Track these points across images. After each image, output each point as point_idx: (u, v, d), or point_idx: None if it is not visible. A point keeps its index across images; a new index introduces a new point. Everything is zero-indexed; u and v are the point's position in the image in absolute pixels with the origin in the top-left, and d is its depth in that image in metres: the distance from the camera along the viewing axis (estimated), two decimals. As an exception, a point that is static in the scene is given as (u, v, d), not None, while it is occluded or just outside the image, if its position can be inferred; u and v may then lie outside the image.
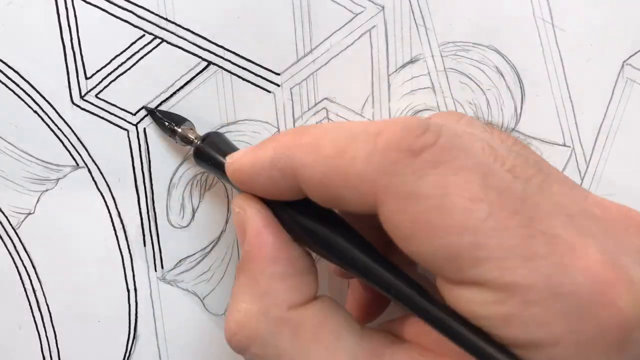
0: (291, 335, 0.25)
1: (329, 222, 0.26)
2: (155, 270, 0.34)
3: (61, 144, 0.33)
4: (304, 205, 0.26)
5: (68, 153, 0.33)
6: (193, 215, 0.34)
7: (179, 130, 0.31)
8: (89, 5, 0.32)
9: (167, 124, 0.31)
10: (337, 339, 0.25)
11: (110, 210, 0.34)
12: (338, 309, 0.26)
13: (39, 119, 0.33)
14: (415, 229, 0.22)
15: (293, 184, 0.25)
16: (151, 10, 0.32)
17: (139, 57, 0.32)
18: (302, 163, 0.24)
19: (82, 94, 0.33)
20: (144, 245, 0.34)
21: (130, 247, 0.34)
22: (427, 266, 0.23)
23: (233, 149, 0.30)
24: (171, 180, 0.33)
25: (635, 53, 0.32)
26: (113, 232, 0.34)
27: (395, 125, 0.23)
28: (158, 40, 0.32)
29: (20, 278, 0.34)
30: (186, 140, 0.31)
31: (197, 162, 0.31)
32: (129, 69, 0.32)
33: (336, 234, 0.26)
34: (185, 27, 0.32)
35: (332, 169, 0.23)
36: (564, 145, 0.33)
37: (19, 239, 0.34)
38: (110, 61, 0.32)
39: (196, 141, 0.30)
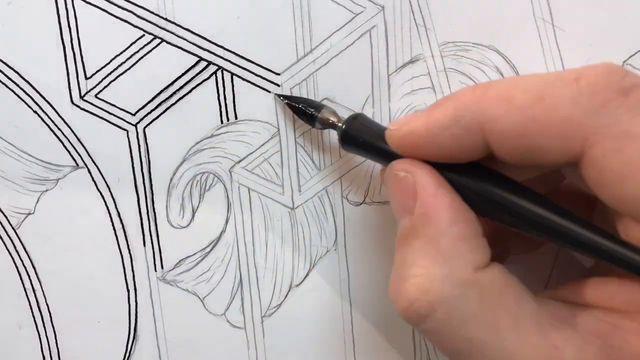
0: (478, 298, 0.23)
1: (502, 182, 0.25)
2: (155, 270, 0.34)
3: (61, 144, 0.33)
4: (470, 167, 0.25)
5: (68, 153, 0.33)
6: (193, 216, 0.34)
7: (319, 115, 0.30)
8: (88, 5, 0.32)
9: (306, 110, 0.30)
10: (519, 302, 0.24)
11: (110, 210, 0.34)
12: (511, 274, 0.25)
13: (39, 119, 0.33)
14: (631, 170, 0.21)
15: (477, 141, 0.24)
16: (151, 10, 0.32)
17: (139, 57, 0.32)
18: (492, 116, 0.23)
19: (82, 94, 0.33)
20: (144, 245, 0.34)
21: (130, 247, 0.34)
22: (635, 212, 0.22)
23: (381, 128, 0.28)
24: (171, 180, 0.33)
25: (635, 53, 0.32)
26: (113, 232, 0.34)
27: (595, 69, 0.22)
28: (158, 40, 0.32)
29: (20, 278, 0.34)
30: (328, 124, 0.30)
31: (344, 146, 0.29)
32: (128, 69, 0.32)
33: (515, 194, 0.25)
34: (185, 27, 0.32)
35: (529, 117, 0.23)
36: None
37: (19, 238, 0.34)
38: (110, 61, 0.32)
39: (340, 125, 0.29)
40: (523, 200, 0.24)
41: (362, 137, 0.28)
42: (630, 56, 0.32)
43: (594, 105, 0.22)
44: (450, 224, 0.24)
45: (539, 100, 0.22)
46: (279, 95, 0.32)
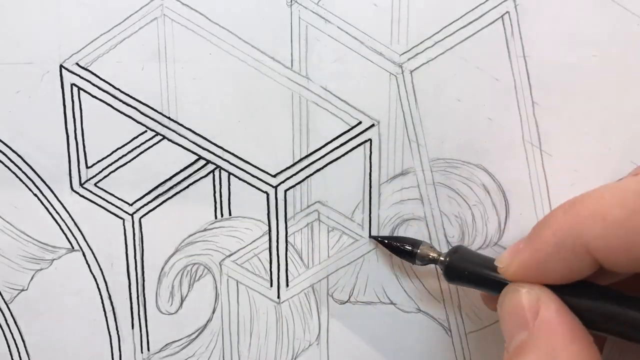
0: None
1: (612, 296, 0.26)
2: (142, 352, 0.35)
3: (58, 227, 0.34)
4: (579, 286, 0.26)
5: (64, 236, 0.34)
6: (181, 303, 0.35)
7: (418, 251, 0.31)
8: (94, 99, 0.33)
9: (404, 249, 0.32)
10: None
11: (102, 293, 0.35)
12: None
13: (39, 202, 0.34)
14: None
15: (586, 260, 0.25)
16: (155, 108, 0.33)
17: (140, 151, 0.33)
18: (592, 236, 0.24)
19: (82, 182, 0.34)
20: (132, 328, 0.35)
21: (119, 329, 0.35)
22: None
23: (482, 258, 0.30)
24: (162, 269, 0.34)
25: (617, 181, 0.33)
26: (103, 313, 0.35)
27: None
28: (159, 137, 0.33)
29: (9, 351, 0.35)
30: (428, 260, 0.31)
31: (448, 279, 0.30)
32: (129, 161, 0.33)
33: (629, 307, 0.25)
34: (186, 126, 0.33)
35: (630, 231, 0.23)
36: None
37: (11, 313, 0.35)
38: (112, 153, 0.33)
39: (442, 258, 0.30)
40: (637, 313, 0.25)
41: (468, 269, 0.29)
42: (612, 183, 0.33)
43: None
44: (570, 342, 0.25)
45: (634, 214, 0.23)
46: (375, 237, 0.33)
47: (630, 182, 0.24)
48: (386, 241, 0.33)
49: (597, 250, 0.24)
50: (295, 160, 0.33)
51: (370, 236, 0.33)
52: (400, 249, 0.32)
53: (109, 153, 0.33)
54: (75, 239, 0.34)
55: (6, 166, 0.33)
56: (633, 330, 0.25)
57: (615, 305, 0.26)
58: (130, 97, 0.32)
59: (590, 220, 0.24)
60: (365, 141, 0.33)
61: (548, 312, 0.26)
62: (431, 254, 0.31)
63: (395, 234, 0.34)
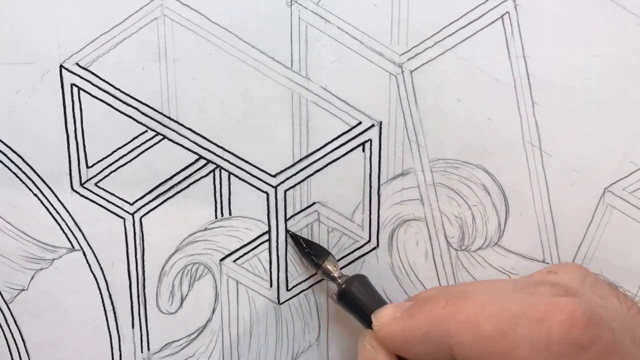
0: None
1: None
2: (142, 352, 0.35)
3: (58, 227, 0.34)
4: None
5: (65, 236, 0.34)
6: (181, 303, 0.35)
7: (322, 264, 0.32)
8: (94, 99, 0.32)
9: (312, 258, 0.32)
10: None
11: (102, 293, 0.35)
12: None
13: (39, 202, 0.34)
14: None
15: (447, 356, 0.25)
16: (155, 108, 0.32)
17: (140, 151, 0.33)
18: (459, 341, 0.25)
19: (82, 182, 0.33)
20: (132, 328, 0.35)
21: (119, 329, 0.35)
22: None
23: (377, 299, 0.30)
24: (162, 268, 0.34)
25: (617, 181, 0.33)
26: (103, 313, 0.35)
27: (559, 313, 0.23)
28: (160, 137, 0.33)
29: (9, 351, 0.35)
30: (328, 276, 0.32)
31: (339, 303, 0.31)
32: (129, 161, 0.33)
33: None
34: (187, 126, 0.33)
35: (492, 350, 0.24)
36: (544, 262, 0.34)
37: (11, 313, 0.35)
38: (112, 152, 0.33)
39: (339, 280, 0.31)
40: None
41: (356, 306, 0.30)
42: (612, 183, 0.33)
43: (549, 356, 0.23)
44: None
45: (503, 336, 0.24)
46: (291, 233, 0.33)
47: (511, 302, 0.24)
48: (300, 241, 0.33)
49: (460, 354, 0.25)
50: (295, 160, 0.33)
51: (286, 230, 0.33)
52: (308, 254, 0.32)
53: (109, 153, 0.33)
54: (76, 238, 0.34)
55: (6, 166, 0.33)
56: None
57: None
58: (130, 97, 0.32)
59: (465, 325, 0.25)
60: (365, 141, 0.33)
61: None
62: (333, 273, 0.31)
63: (395, 234, 0.34)
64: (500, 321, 0.24)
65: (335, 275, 0.31)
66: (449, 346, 0.25)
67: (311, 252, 0.32)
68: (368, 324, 0.29)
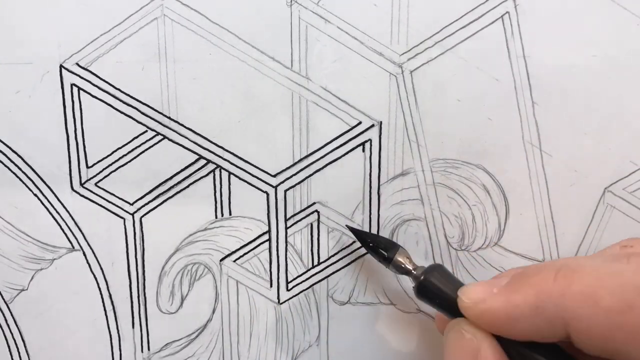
0: None
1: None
2: (142, 352, 0.35)
3: (58, 227, 0.34)
4: (532, 344, 0.25)
5: (65, 236, 0.34)
6: (182, 303, 0.35)
7: (394, 258, 0.30)
8: (94, 99, 0.32)
9: (380, 251, 0.30)
10: None
11: (102, 293, 0.34)
12: None
13: (39, 202, 0.34)
14: None
15: (558, 332, 0.23)
16: (155, 108, 0.32)
17: (141, 150, 0.33)
18: (577, 314, 0.23)
19: (82, 182, 0.33)
20: (132, 327, 0.35)
21: (119, 328, 0.35)
22: None
23: (458, 283, 0.28)
24: (163, 268, 0.34)
25: (617, 181, 0.33)
26: (103, 313, 0.35)
27: None
28: (160, 137, 0.33)
29: (9, 351, 0.35)
30: (400, 270, 0.29)
31: (419, 297, 0.29)
32: (129, 161, 0.33)
33: None
34: (187, 126, 0.33)
35: (617, 324, 0.22)
36: (543, 262, 0.34)
37: (11, 313, 0.35)
38: (112, 152, 0.33)
39: (415, 272, 0.29)
40: None
41: (439, 295, 0.28)
42: (612, 183, 0.33)
43: None
44: None
45: (629, 309, 0.22)
46: (351, 229, 0.32)
47: (629, 272, 0.23)
48: (363, 237, 0.31)
49: (577, 329, 0.23)
50: (295, 160, 0.33)
51: (346, 225, 0.32)
52: (374, 249, 0.30)
53: (109, 153, 0.33)
54: (76, 238, 0.34)
55: (6, 166, 0.33)
56: None
57: None
58: (130, 97, 0.32)
59: (581, 298, 0.23)
60: (366, 141, 0.33)
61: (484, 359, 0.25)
62: (406, 265, 0.29)
63: (395, 234, 0.34)
64: (624, 293, 0.22)
65: (410, 267, 0.29)
66: (565, 321, 0.23)
67: (379, 246, 0.30)
68: (454, 315, 0.27)
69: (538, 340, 0.25)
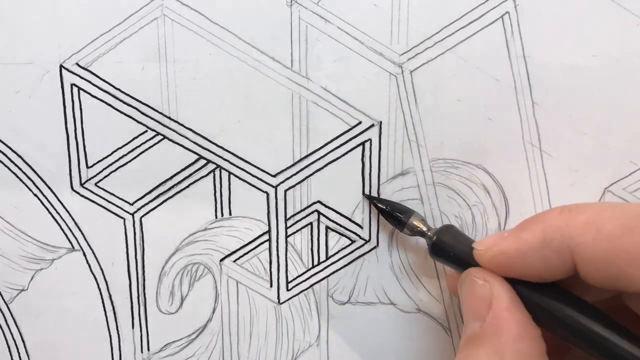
0: None
1: (575, 304, 0.26)
2: (142, 352, 0.35)
3: (58, 227, 0.34)
4: (543, 286, 0.26)
5: (64, 236, 0.34)
6: (181, 303, 0.35)
7: (408, 222, 0.31)
8: (94, 99, 0.32)
9: (397, 215, 0.31)
10: None
11: (102, 293, 0.34)
12: None
13: (39, 202, 0.33)
14: None
15: (566, 263, 0.24)
16: (155, 108, 0.32)
17: (140, 151, 0.33)
18: (580, 242, 0.24)
19: (82, 182, 0.33)
20: (132, 328, 0.35)
21: (119, 329, 0.35)
22: None
23: (470, 240, 0.29)
24: (162, 268, 0.34)
25: (617, 181, 0.33)
26: (103, 313, 0.35)
27: None
28: (160, 137, 0.33)
29: (9, 351, 0.35)
30: (415, 232, 0.31)
31: (433, 257, 0.30)
32: (129, 161, 0.33)
33: (592, 319, 0.25)
34: (187, 126, 0.33)
35: (618, 248, 0.23)
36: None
37: (11, 313, 0.35)
38: (112, 152, 0.33)
39: (429, 233, 0.30)
40: (594, 325, 0.25)
41: (454, 251, 0.29)
42: (612, 183, 0.33)
43: None
44: (517, 340, 0.25)
45: (629, 233, 0.23)
46: (368, 197, 0.33)
47: (633, 204, 0.24)
48: (379, 204, 0.32)
49: (582, 258, 0.24)
50: (295, 160, 0.33)
51: (363, 194, 0.33)
52: (390, 214, 0.31)
53: (109, 153, 0.33)
54: (76, 238, 0.34)
55: (6, 166, 0.33)
56: (583, 340, 0.25)
57: (574, 312, 0.25)
58: (131, 97, 0.32)
59: (585, 227, 0.24)
60: (365, 141, 0.33)
61: (499, 307, 0.26)
62: (420, 227, 0.31)
63: (395, 234, 0.34)
64: (625, 219, 0.23)
65: (424, 229, 0.31)
66: (570, 249, 0.24)
67: (395, 209, 0.31)
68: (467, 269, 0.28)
69: (548, 278, 0.26)
